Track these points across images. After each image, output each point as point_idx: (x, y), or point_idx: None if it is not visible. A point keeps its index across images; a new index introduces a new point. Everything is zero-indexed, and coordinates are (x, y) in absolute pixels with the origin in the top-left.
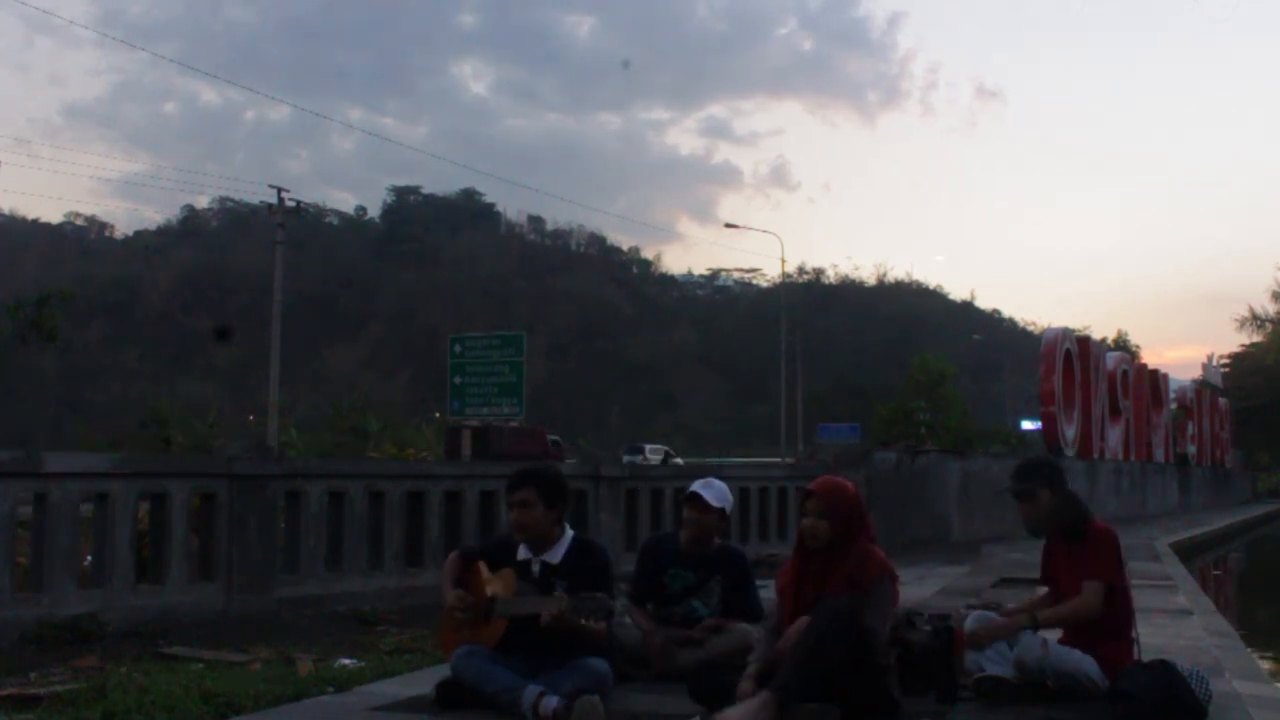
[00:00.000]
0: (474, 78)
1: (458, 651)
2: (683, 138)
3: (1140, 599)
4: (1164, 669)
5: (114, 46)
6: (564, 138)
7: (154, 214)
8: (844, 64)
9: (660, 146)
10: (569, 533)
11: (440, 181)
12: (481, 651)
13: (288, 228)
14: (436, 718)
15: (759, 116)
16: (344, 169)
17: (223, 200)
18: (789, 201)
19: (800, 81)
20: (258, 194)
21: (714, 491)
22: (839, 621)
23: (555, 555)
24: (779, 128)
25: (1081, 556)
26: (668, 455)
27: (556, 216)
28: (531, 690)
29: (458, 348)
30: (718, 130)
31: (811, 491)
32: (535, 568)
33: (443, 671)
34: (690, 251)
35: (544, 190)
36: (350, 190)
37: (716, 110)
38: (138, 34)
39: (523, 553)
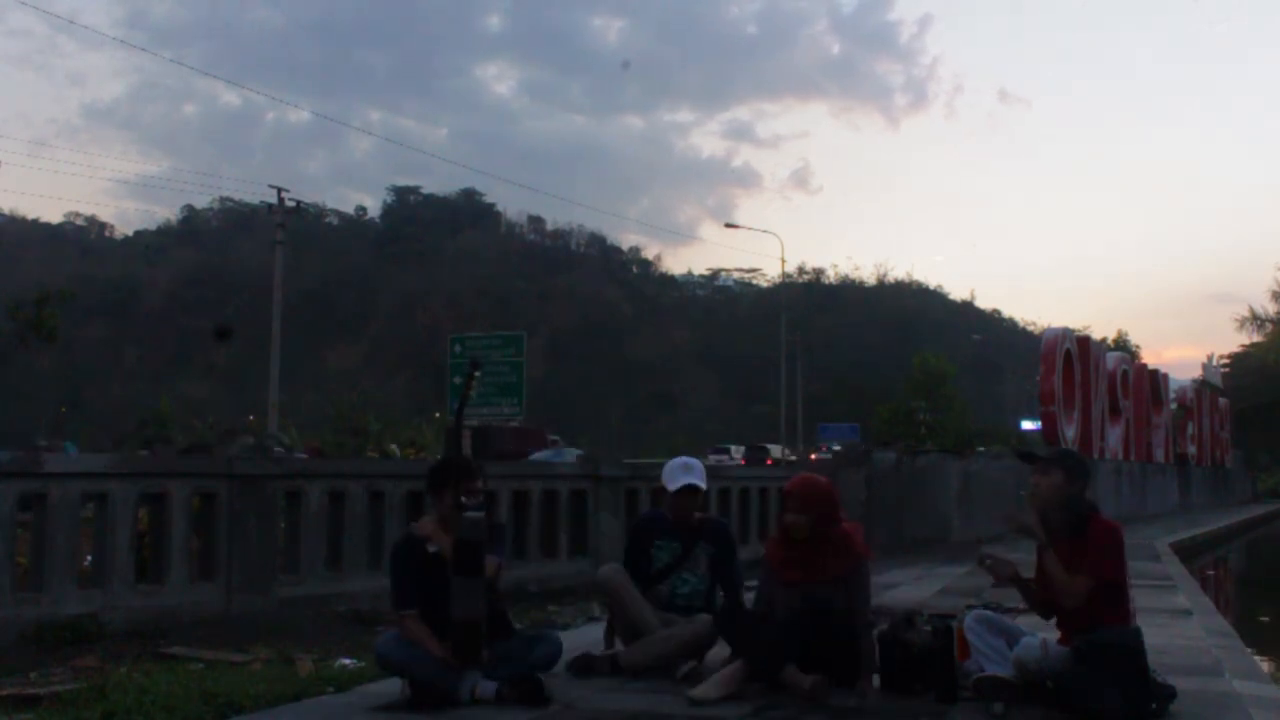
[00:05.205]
0: (498, 80)
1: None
2: (705, 140)
3: (1140, 599)
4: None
5: (131, 48)
6: (586, 140)
7: (168, 214)
8: (869, 67)
9: (683, 149)
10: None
11: (454, 183)
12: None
13: (288, 228)
14: (436, 717)
15: (783, 119)
16: (362, 170)
17: (223, 200)
18: (797, 203)
19: (827, 84)
20: (259, 194)
21: (697, 473)
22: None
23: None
24: (802, 130)
25: (1080, 551)
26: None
27: (571, 220)
28: (467, 682)
29: (458, 348)
30: (740, 133)
31: (789, 491)
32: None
33: None
34: (695, 252)
35: (554, 194)
36: (367, 191)
37: (741, 113)
38: (161, 36)
39: (432, 546)
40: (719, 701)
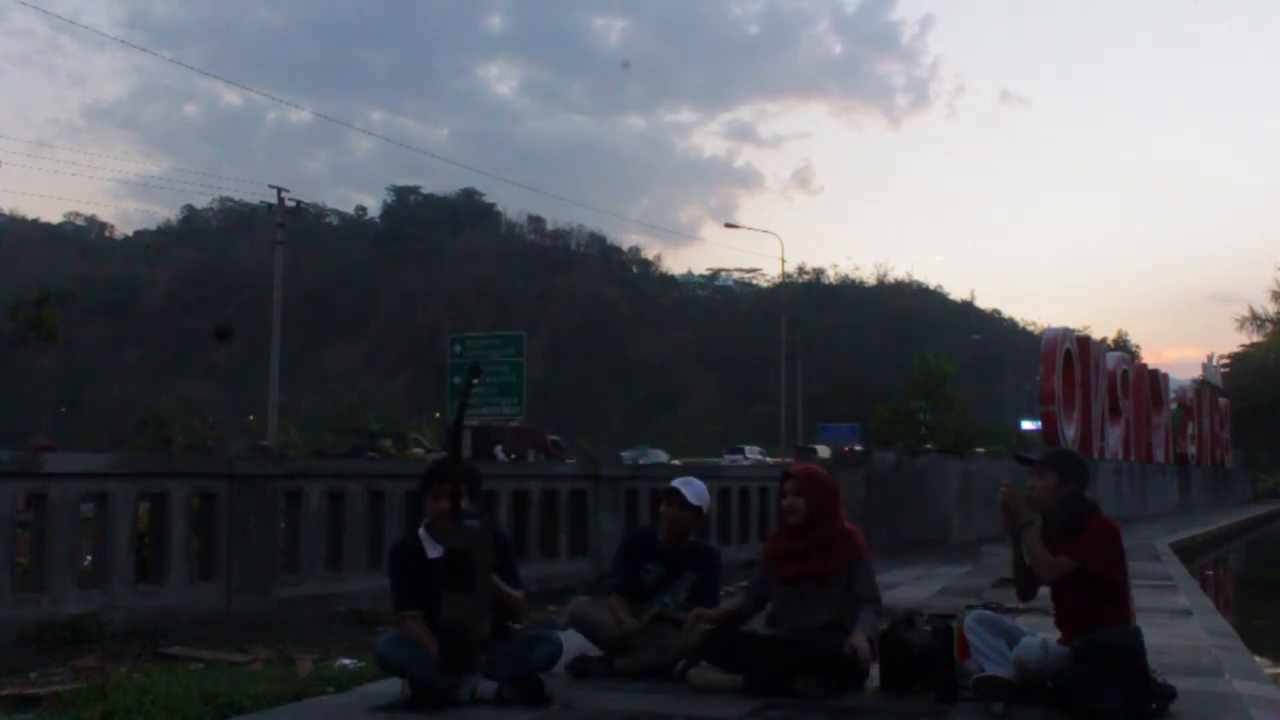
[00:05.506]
0: (499, 80)
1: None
2: (706, 140)
3: (1140, 599)
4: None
5: (132, 49)
6: (586, 140)
7: (168, 214)
8: (871, 68)
9: (684, 149)
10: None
11: (454, 183)
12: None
13: (288, 228)
14: (436, 717)
15: (784, 119)
16: (362, 170)
17: (223, 200)
18: (798, 203)
19: (829, 84)
20: (259, 194)
21: (693, 490)
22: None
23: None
24: (803, 130)
25: (1080, 551)
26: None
27: (571, 220)
28: (467, 682)
29: (458, 348)
30: (741, 133)
31: (789, 474)
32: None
33: None
34: (695, 252)
35: (554, 194)
36: (367, 191)
37: (743, 113)
38: (161, 36)
39: (432, 551)
40: (717, 693)
